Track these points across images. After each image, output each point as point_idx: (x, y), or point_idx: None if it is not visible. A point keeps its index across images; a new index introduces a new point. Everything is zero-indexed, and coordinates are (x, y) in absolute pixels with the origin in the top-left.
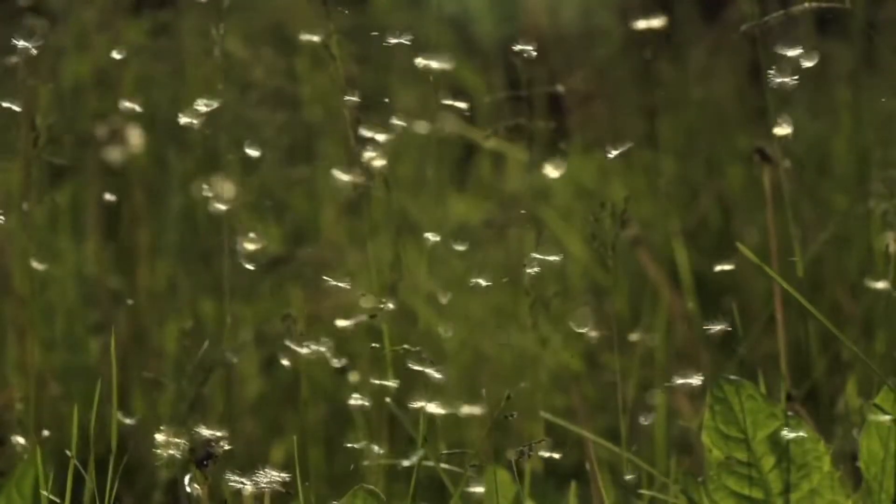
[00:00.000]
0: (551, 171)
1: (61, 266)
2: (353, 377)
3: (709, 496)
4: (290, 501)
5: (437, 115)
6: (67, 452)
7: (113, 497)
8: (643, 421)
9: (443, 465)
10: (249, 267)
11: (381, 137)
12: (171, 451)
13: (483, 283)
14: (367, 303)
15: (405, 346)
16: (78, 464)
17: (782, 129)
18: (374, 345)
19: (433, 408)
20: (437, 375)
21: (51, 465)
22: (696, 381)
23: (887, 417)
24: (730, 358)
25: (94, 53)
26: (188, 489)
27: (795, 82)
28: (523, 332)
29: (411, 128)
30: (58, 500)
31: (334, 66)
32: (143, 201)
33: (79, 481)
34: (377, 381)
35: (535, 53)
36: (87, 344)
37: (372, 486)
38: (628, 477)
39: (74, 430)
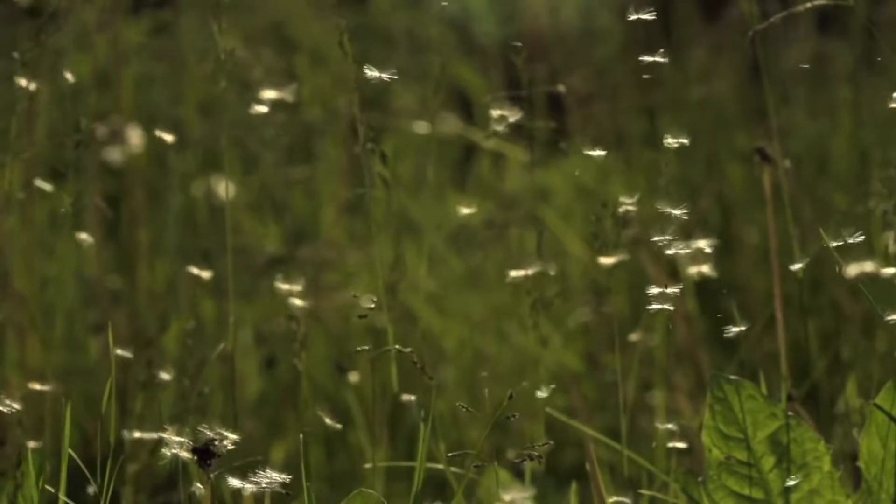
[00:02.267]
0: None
1: (61, 266)
2: (353, 377)
3: (709, 496)
4: (290, 502)
5: (438, 116)
6: (71, 452)
7: (110, 496)
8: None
9: (445, 465)
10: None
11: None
12: (173, 451)
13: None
14: (366, 303)
15: (404, 346)
16: (80, 462)
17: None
18: (365, 347)
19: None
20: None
21: (51, 464)
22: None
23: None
24: (730, 358)
25: (94, 53)
26: (192, 488)
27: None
28: (523, 332)
29: (411, 128)
30: (57, 501)
31: (346, 67)
32: (143, 201)
33: (79, 481)
34: (378, 381)
35: (534, 54)
36: (87, 344)
37: (372, 490)
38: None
39: (67, 429)
